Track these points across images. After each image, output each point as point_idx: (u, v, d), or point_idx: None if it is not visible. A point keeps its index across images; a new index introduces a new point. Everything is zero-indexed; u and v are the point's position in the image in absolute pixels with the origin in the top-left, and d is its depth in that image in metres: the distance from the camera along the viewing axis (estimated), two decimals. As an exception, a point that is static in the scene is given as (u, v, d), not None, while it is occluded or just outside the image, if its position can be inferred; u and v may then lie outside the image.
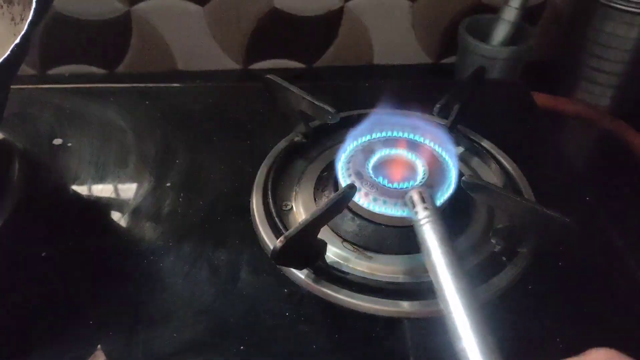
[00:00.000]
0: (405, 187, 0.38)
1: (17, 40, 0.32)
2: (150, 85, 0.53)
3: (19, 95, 0.50)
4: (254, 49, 0.76)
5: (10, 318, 0.34)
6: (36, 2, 0.34)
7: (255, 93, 0.46)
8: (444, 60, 0.79)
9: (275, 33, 0.75)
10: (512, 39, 0.67)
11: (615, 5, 0.62)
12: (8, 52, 0.31)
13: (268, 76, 0.44)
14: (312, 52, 0.77)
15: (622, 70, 0.65)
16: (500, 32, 0.67)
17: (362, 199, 0.37)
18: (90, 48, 0.74)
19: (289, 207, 0.41)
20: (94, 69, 0.76)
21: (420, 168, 0.39)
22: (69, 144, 0.46)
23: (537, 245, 0.36)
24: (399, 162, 0.41)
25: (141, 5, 0.71)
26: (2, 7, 0.40)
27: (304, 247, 0.34)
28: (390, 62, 0.78)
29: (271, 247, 0.37)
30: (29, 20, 0.33)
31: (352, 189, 0.35)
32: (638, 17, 0.62)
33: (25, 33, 0.32)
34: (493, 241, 0.38)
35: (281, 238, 0.31)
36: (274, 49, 0.77)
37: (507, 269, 0.36)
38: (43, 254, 0.37)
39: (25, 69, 0.74)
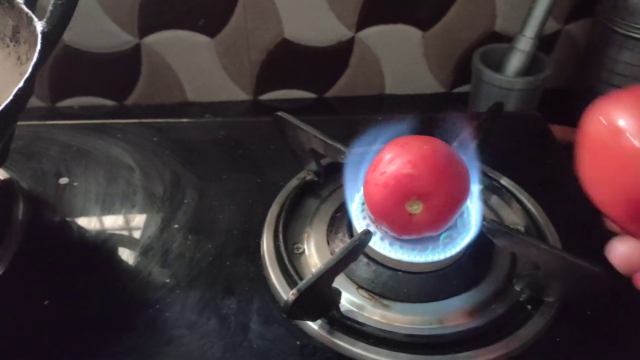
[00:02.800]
0: (423, 230, 0.36)
1: (21, 84, 0.31)
2: (159, 120, 0.52)
3: (25, 131, 0.49)
4: (264, 79, 0.75)
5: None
6: (41, 43, 0.33)
7: (267, 127, 0.45)
8: (457, 89, 0.78)
9: (285, 64, 0.74)
10: (528, 68, 0.65)
11: (632, 34, 0.61)
12: (11, 97, 0.30)
13: (278, 113, 0.42)
14: (322, 83, 0.76)
15: (642, 100, 0.63)
16: (515, 62, 0.65)
17: (377, 244, 0.36)
18: (100, 80, 0.74)
19: (300, 250, 0.39)
20: (104, 101, 0.75)
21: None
22: (75, 183, 0.45)
23: (564, 294, 0.34)
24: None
25: (151, 37, 0.70)
26: (9, 46, 0.39)
27: (318, 298, 0.32)
28: (402, 92, 0.77)
29: (282, 295, 0.35)
30: (33, 62, 0.32)
31: (367, 234, 0.34)
32: (657, 46, 0.60)
33: (28, 76, 0.31)
34: (517, 288, 0.36)
35: (294, 291, 0.29)
36: (284, 80, 0.76)
37: (534, 319, 0.34)
38: (45, 302, 0.36)
39: (35, 102, 0.74)
